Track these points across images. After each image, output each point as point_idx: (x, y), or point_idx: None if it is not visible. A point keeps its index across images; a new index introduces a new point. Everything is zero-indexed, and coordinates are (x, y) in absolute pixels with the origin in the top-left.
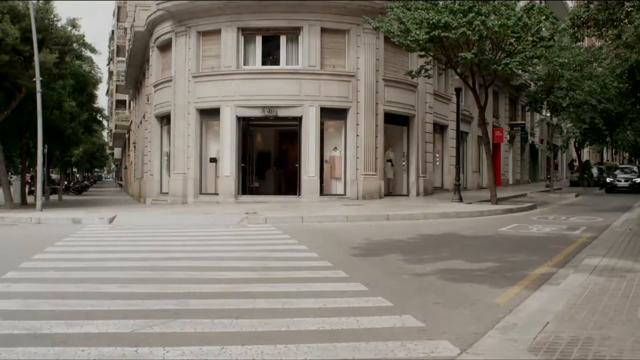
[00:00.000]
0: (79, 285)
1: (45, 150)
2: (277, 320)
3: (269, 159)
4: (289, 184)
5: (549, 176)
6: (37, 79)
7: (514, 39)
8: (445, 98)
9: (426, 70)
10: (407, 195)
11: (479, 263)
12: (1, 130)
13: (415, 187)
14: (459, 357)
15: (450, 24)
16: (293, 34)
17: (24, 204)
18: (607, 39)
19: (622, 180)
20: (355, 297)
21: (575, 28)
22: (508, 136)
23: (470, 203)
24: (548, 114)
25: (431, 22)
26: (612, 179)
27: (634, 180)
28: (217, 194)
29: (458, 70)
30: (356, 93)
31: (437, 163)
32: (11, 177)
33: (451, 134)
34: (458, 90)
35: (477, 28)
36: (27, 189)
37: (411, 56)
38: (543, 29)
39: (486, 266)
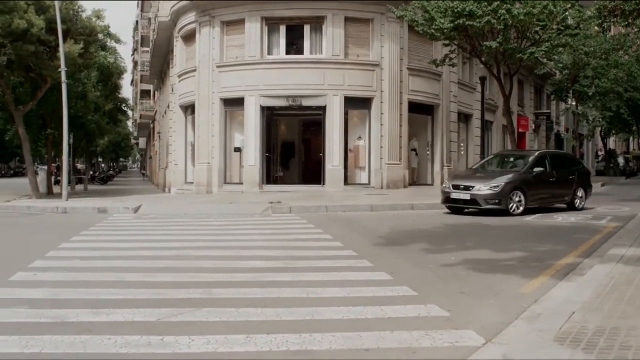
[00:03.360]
0: (104, 274)
1: (71, 141)
2: (301, 309)
3: (293, 148)
4: (313, 174)
5: None
6: (62, 69)
7: (539, 27)
8: (470, 87)
9: (450, 59)
10: (432, 184)
11: (503, 253)
12: (27, 120)
13: (440, 176)
14: (484, 347)
15: (475, 12)
16: (317, 23)
17: (50, 194)
18: (635, 28)
19: None
20: (380, 286)
21: (602, 18)
22: (533, 125)
23: None
24: (573, 103)
25: (456, 10)
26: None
27: None
28: (242, 184)
29: (483, 59)
30: (380, 82)
31: (462, 152)
32: (37, 167)
33: (476, 123)
34: (483, 79)
35: (502, 16)
36: (53, 179)
37: (435, 45)
38: (568, 17)
39: (511, 256)
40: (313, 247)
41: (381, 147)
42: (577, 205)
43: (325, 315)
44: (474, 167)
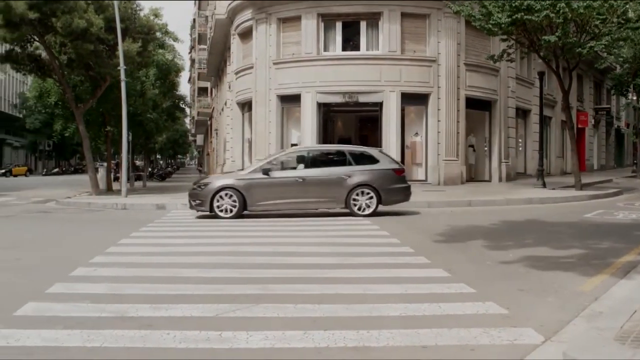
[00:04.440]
0: (163, 270)
1: (130, 138)
2: (359, 305)
3: (349, 144)
4: None
5: (635, 161)
6: (121, 67)
7: (599, 21)
8: (528, 82)
9: (508, 54)
10: (489, 181)
11: (563, 250)
12: (87, 118)
13: (498, 172)
14: (544, 345)
15: (533, 6)
16: (373, 19)
17: (109, 191)
18: None
19: None
20: (438, 283)
21: None
22: (593, 120)
23: (554, 189)
24: (634, 97)
25: (513, 5)
26: None
27: None
28: None
29: (541, 54)
30: (437, 78)
31: (520, 148)
32: (97, 165)
33: (534, 118)
34: (541, 74)
35: (561, 10)
36: (112, 176)
37: (493, 40)
38: (629, 10)
39: (571, 253)
40: (370, 243)
41: (438, 143)
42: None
43: (383, 312)
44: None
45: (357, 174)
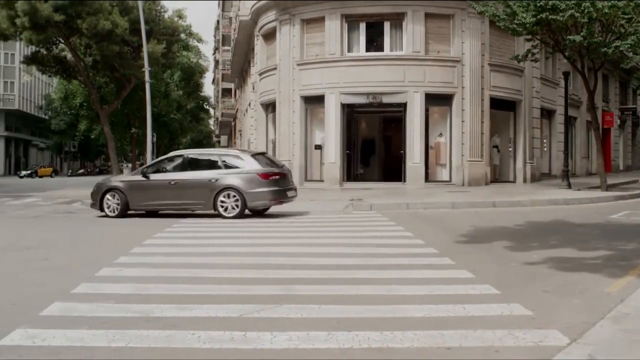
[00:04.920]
0: (187, 270)
1: (154, 139)
2: (383, 306)
3: (374, 145)
4: (394, 171)
5: None
6: (146, 68)
7: (624, 21)
8: (553, 82)
9: (533, 54)
10: (514, 181)
11: (588, 251)
12: (112, 120)
13: (522, 173)
14: (569, 347)
15: (558, 6)
16: (397, 19)
17: None
18: None
19: None
20: (462, 284)
21: None
22: (618, 121)
23: (579, 190)
24: None
25: (538, 4)
26: None
27: None
28: (322, 181)
29: (566, 54)
30: (461, 78)
31: (545, 149)
32: (123, 165)
33: (559, 119)
34: (566, 74)
35: (585, 10)
36: None
37: (517, 40)
38: None
39: (596, 254)
40: (394, 244)
41: (462, 144)
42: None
43: (407, 313)
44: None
45: (224, 177)
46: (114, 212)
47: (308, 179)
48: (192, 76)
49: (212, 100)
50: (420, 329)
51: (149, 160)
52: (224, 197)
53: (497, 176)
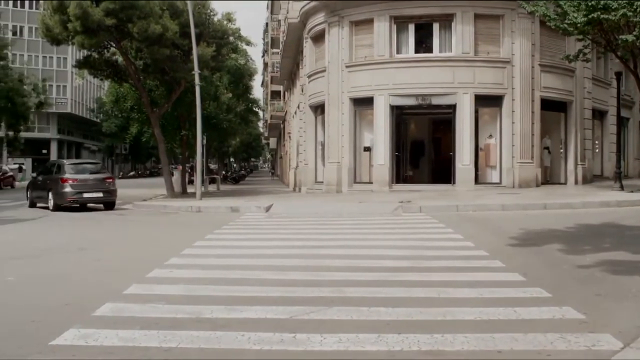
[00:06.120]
0: (237, 272)
1: (204, 141)
2: (433, 309)
3: (423, 147)
4: (443, 173)
5: None
6: (196, 71)
7: None
8: (605, 83)
9: (584, 54)
10: (565, 183)
11: None
12: (163, 122)
13: (574, 175)
14: (622, 351)
15: (610, 5)
16: (446, 20)
17: (184, 193)
18: None
19: None
20: (513, 287)
21: None
22: None
23: (631, 192)
24: None
25: (589, 4)
26: None
27: None
28: (371, 183)
29: (618, 54)
30: (511, 79)
31: (597, 150)
32: (173, 168)
33: (611, 119)
34: (618, 75)
35: (638, 9)
36: (187, 179)
37: (568, 40)
38: None
39: None
40: (444, 247)
41: (513, 145)
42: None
43: (457, 316)
44: None
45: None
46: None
47: (357, 181)
48: (241, 79)
49: (261, 102)
50: (470, 332)
51: (199, 162)
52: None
53: (548, 178)
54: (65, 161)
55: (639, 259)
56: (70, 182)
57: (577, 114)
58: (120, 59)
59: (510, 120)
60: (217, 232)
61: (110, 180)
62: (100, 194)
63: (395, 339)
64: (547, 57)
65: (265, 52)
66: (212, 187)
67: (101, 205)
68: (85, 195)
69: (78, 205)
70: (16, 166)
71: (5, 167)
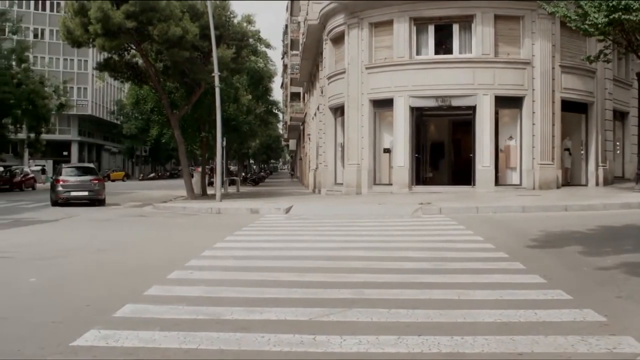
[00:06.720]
0: (257, 274)
1: (224, 143)
2: (453, 311)
3: (443, 149)
4: (463, 174)
5: None
6: (216, 73)
7: None
8: (626, 84)
9: (605, 55)
10: (586, 185)
11: None
12: (183, 124)
13: (595, 176)
14: None
15: (631, 5)
16: (466, 22)
17: (204, 195)
18: None
19: None
20: (533, 289)
21: None
22: None
23: None
24: None
25: (610, 4)
26: None
27: None
28: (391, 185)
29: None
30: (532, 80)
31: (618, 152)
32: (192, 169)
33: (632, 121)
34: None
35: None
36: (207, 180)
37: (589, 41)
38: None
39: None
40: (464, 248)
41: (533, 147)
42: None
43: (478, 318)
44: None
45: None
46: None
47: (377, 183)
48: (260, 81)
49: (280, 104)
50: (490, 334)
51: (219, 164)
52: None
53: (569, 179)
54: (63, 165)
55: None
56: (62, 182)
57: (598, 115)
58: (140, 61)
59: (530, 121)
60: (237, 233)
61: (97, 181)
62: (86, 193)
63: (415, 341)
64: (568, 58)
65: (284, 54)
66: (231, 189)
67: (87, 201)
68: (73, 193)
69: (64, 201)
70: (38, 168)
71: (26, 169)
